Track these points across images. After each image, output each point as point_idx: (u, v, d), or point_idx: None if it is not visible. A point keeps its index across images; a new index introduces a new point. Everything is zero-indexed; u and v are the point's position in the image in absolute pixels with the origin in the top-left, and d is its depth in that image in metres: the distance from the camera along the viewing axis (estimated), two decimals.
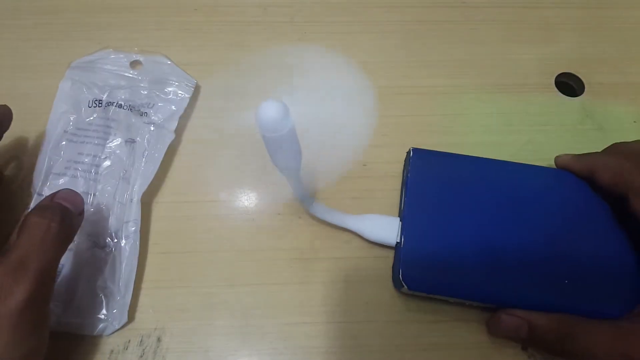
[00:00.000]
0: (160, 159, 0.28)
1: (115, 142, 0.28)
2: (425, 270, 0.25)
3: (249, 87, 0.33)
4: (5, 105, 0.27)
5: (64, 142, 0.28)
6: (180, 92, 0.30)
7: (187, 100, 0.30)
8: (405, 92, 0.33)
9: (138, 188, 0.27)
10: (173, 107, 0.30)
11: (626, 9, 0.37)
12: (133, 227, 0.27)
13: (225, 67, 0.34)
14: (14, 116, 0.27)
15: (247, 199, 0.29)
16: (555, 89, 0.34)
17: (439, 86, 0.33)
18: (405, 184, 0.28)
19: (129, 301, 0.25)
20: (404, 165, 0.30)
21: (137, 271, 0.26)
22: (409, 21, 0.36)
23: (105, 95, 0.30)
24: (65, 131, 0.29)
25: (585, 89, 0.34)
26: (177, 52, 0.34)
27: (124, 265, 0.26)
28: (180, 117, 0.30)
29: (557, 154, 0.29)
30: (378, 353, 0.25)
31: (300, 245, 0.28)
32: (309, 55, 0.34)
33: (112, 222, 0.27)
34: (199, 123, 0.31)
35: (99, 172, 0.28)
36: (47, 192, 0.27)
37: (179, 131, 0.30)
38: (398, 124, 0.32)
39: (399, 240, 0.26)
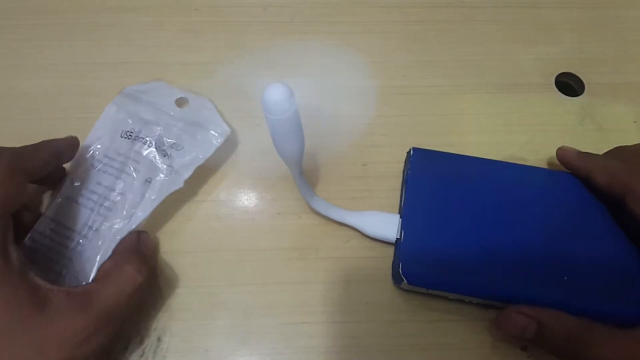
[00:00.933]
0: (158, 203, 0.27)
1: (132, 179, 0.27)
2: (424, 264, 0.25)
3: (248, 87, 0.33)
4: (74, 137, 0.27)
5: (88, 167, 0.28)
6: (211, 139, 0.29)
7: (214, 149, 0.28)
8: (405, 92, 0.33)
9: (135, 227, 0.26)
10: (199, 154, 0.28)
11: (626, 9, 0.37)
12: None
13: (225, 67, 0.34)
14: (16, 116, 0.27)
15: (247, 199, 0.29)
16: (555, 89, 0.34)
17: (439, 86, 0.33)
18: (405, 182, 0.28)
19: None
20: (404, 165, 0.30)
21: None
22: (409, 21, 0.36)
23: (137, 129, 0.29)
24: (93, 157, 0.28)
25: (585, 89, 0.34)
26: (177, 52, 0.34)
27: None
28: (199, 167, 0.28)
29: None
30: (378, 353, 0.25)
31: (300, 245, 0.28)
32: (309, 56, 0.34)
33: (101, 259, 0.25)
34: None
35: (108, 206, 0.27)
36: (50, 214, 0.26)
37: None
38: (398, 124, 0.32)
39: (398, 236, 0.26)
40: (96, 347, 0.21)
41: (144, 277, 0.23)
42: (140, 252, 0.24)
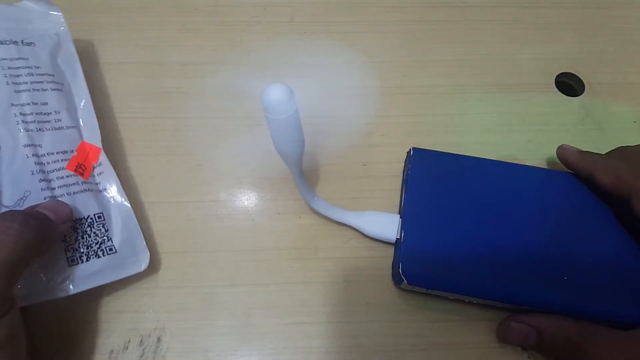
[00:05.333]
0: None
1: None
2: (424, 264, 0.25)
3: (248, 87, 0.33)
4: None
5: None
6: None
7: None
8: (405, 92, 0.33)
9: None
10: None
11: (626, 9, 0.37)
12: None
13: (225, 67, 0.34)
14: None
15: (247, 199, 0.29)
16: (556, 89, 0.34)
17: (439, 86, 0.33)
18: (405, 182, 0.28)
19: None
20: (404, 165, 0.30)
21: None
22: (409, 21, 0.36)
23: None
24: None
25: (586, 89, 0.34)
26: (177, 52, 0.34)
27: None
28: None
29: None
30: (378, 353, 0.25)
31: (300, 245, 0.28)
32: (308, 55, 0.34)
33: None
34: (198, 123, 0.31)
35: None
36: None
37: (177, 130, 0.30)
38: (398, 124, 0.32)
39: (399, 236, 0.26)
40: None
41: (10, 221, 0.21)
42: (26, 211, 0.23)
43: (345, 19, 0.36)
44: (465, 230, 0.26)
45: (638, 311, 0.23)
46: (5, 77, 0.26)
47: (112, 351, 0.25)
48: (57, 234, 0.24)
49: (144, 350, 0.25)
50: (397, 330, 0.26)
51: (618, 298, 0.24)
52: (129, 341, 0.25)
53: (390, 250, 0.27)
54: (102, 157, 0.27)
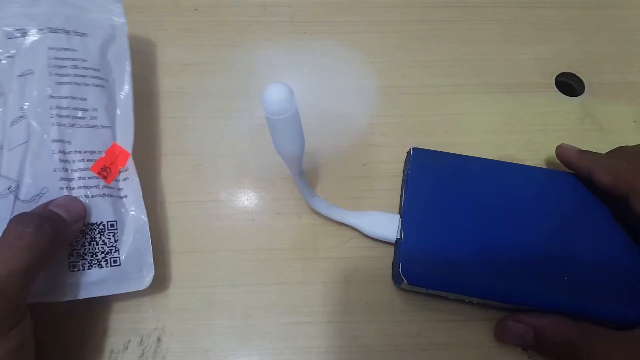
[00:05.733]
0: None
1: None
2: (424, 264, 0.25)
3: (248, 87, 0.33)
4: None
5: None
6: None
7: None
8: (405, 92, 0.33)
9: None
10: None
11: (626, 9, 0.37)
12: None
13: (225, 67, 0.34)
14: None
15: (247, 199, 0.29)
16: (556, 89, 0.34)
17: (439, 86, 0.33)
18: (405, 182, 0.28)
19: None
20: (404, 165, 0.30)
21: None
22: (409, 21, 0.36)
23: None
24: None
25: (586, 89, 0.34)
26: (177, 51, 0.34)
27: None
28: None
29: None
30: (378, 353, 0.25)
31: (300, 245, 0.28)
32: (308, 55, 0.34)
33: None
34: (198, 123, 0.31)
35: None
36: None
37: (177, 130, 0.30)
38: (398, 124, 0.32)
39: (399, 236, 0.26)
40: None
41: (24, 226, 0.20)
42: (32, 211, 0.22)
43: (345, 19, 0.36)
44: (465, 230, 0.26)
45: (638, 311, 0.23)
46: (49, 67, 0.25)
47: (112, 351, 0.25)
48: (70, 234, 0.23)
49: (144, 350, 0.25)
50: (397, 330, 0.26)
51: (618, 298, 0.24)
52: (129, 341, 0.25)
53: (390, 250, 0.27)
54: (130, 163, 0.26)
